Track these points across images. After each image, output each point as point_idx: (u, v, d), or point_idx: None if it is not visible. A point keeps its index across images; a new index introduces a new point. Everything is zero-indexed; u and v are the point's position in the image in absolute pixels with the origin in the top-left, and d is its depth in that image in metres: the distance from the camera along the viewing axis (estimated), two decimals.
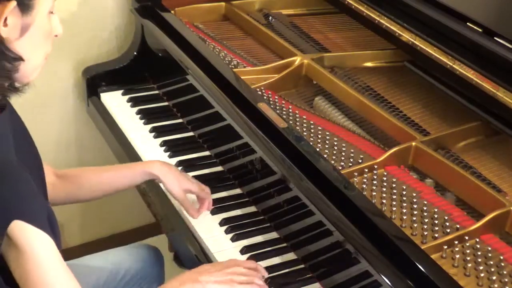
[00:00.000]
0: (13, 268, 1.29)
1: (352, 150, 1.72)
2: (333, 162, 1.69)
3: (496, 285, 1.39)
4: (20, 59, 1.27)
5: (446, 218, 1.54)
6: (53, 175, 1.67)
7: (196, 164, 1.95)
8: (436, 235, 1.50)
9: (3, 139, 1.34)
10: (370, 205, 1.48)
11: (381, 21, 1.96)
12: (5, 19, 1.22)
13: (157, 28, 2.15)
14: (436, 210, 1.55)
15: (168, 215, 1.83)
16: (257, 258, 1.63)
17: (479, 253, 1.47)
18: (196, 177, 1.88)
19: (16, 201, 1.26)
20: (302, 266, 1.61)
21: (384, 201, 1.57)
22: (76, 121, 2.52)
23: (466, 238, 1.48)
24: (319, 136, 1.78)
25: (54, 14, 1.33)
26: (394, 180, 1.65)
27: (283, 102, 1.92)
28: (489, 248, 1.48)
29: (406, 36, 1.88)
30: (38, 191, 1.35)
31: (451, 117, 1.85)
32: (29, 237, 1.26)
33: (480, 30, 1.73)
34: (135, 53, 2.32)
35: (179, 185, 1.72)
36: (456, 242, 1.47)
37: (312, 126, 1.81)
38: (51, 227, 1.31)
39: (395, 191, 1.62)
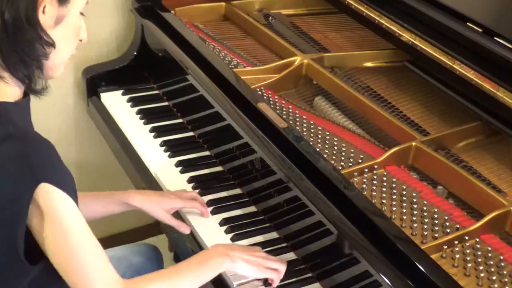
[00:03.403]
0: (36, 233, 1.31)
1: (352, 150, 1.72)
2: (333, 162, 1.69)
3: (496, 285, 1.39)
4: (53, 45, 1.35)
5: (446, 218, 1.54)
6: None
7: (196, 164, 1.95)
8: (436, 235, 1.50)
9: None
10: (370, 205, 1.48)
11: (381, 21, 1.96)
12: (44, 7, 1.31)
13: (157, 28, 2.15)
14: (436, 210, 1.55)
15: None
16: None
17: (479, 253, 1.47)
18: (196, 177, 1.89)
19: (47, 165, 1.30)
20: (302, 266, 1.61)
21: (384, 201, 1.57)
22: (76, 121, 2.51)
23: (466, 238, 1.48)
24: (319, 136, 1.78)
25: (82, 17, 1.43)
26: (394, 180, 1.65)
27: (283, 102, 1.92)
28: (489, 248, 1.48)
29: (406, 36, 1.88)
30: None
31: (451, 117, 1.85)
32: (56, 200, 1.29)
33: (480, 30, 1.73)
34: (135, 53, 2.32)
35: (161, 208, 1.72)
36: (456, 242, 1.47)
37: (312, 126, 1.81)
38: (75, 196, 1.35)
39: (395, 191, 1.62)
